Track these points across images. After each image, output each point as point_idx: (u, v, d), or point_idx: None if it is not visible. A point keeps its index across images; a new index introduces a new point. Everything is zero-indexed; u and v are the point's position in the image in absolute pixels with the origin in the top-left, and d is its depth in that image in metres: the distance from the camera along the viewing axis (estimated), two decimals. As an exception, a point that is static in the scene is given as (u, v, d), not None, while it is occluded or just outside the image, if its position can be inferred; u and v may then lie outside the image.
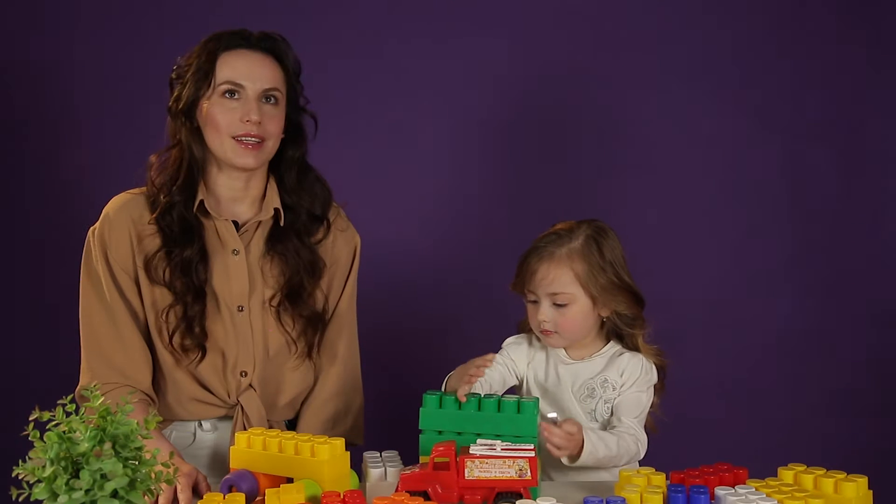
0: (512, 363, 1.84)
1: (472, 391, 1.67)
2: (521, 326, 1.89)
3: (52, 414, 1.15)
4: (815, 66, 2.61)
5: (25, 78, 2.56)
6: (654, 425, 1.84)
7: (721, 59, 2.61)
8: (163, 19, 2.55)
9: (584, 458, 1.62)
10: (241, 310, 1.79)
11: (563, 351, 1.82)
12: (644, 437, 1.74)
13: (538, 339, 1.85)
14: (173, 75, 1.82)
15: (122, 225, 1.77)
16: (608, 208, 2.60)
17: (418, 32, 2.60)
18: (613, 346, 1.82)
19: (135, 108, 2.51)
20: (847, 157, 2.63)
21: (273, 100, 1.78)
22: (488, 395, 1.62)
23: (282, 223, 1.83)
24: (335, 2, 2.58)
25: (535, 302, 1.78)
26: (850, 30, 2.61)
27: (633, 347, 1.81)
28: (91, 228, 1.79)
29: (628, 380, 1.76)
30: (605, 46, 2.62)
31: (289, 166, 1.85)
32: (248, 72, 1.76)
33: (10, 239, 2.58)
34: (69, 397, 1.20)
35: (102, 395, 1.65)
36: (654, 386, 1.80)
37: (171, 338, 1.75)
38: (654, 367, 1.79)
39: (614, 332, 1.83)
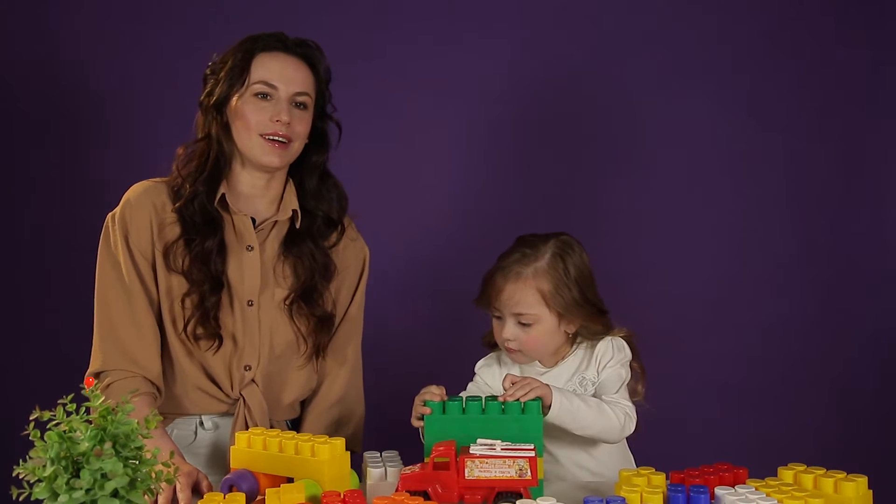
0: (487, 388, 1.84)
1: (471, 395, 1.67)
2: (486, 340, 1.88)
3: (52, 413, 1.15)
4: (816, 66, 2.61)
5: (48, 76, 2.57)
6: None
7: (722, 58, 2.61)
8: (166, 19, 2.56)
9: (557, 409, 1.62)
10: (251, 304, 1.81)
11: (537, 361, 1.83)
12: (632, 407, 1.74)
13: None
14: (207, 71, 1.85)
15: (143, 209, 1.79)
16: (609, 208, 2.61)
17: (419, 34, 2.60)
18: (580, 342, 1.82)
19: (151, 105, 2.53)
20: (847, 156, 2.63)
21: (303, 106, 1.82)
22: (492, 398, 1.62)
23: (298, 226, 1.85)
24: (336, 3, 2.59)
25: (500, 318, 1.78)
26: (850, 30, 2.61)
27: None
28: (110, 213, 1.81)
29: (601, 364, 1.77)
30: (606, 47, 2.62)
31: (311, 171, 1.89)
32: (282, 74, 1.80)
33: (10, 238, 2.58)
34: (69, 397, 1.20)
35: (111, 383, 1.70)
36: (634, 368, 1.80)
37: (185, 326, 1.76)
38: (624, 343, 1.79)
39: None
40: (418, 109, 2.61)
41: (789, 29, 2.61)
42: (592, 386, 1.77)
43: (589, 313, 1.77)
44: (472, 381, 1.88)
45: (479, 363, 1.89)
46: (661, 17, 2.61)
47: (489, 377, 1.86)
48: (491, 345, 1.88)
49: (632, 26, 2.62)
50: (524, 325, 1.75)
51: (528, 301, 1.74)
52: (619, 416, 1.70)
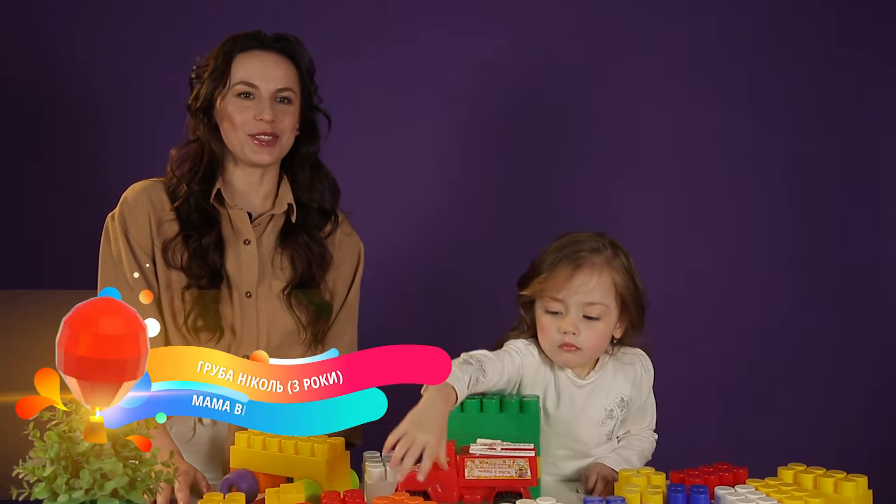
0: (521, 368, 1.69)
1: (476, 393, 1.67)
2: (515, 335, 1.75)
3: (52, 413, 1.15)
4: (816, 66, 2.61)
5: (47, 76, 2.57)
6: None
7: (721, 58, 2.61)
8: (164, 20, 2.56)
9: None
10: (249, 296, 1.84)
11: (570, 371, 1.71)
12: (655, 435, 1.80)
13: (546, 359, 1.71)
14: (192, 74, 1.88)
15: (141, 207, 1.82)
16: (608, 208, 2.61)
17: (417, 33, 2.60)
18: (604, 353, 1.75)
19: (148, 107, 2.53)
20: (847, 157, 2.63)
21: (287, 100, 1.84)
22: (491, 396, 1.62)
23: (293, 219, 1.88)
24: (335, 2, 2.59)
25: (556, 313, 1.66)
26: (851, 30, 2.61)
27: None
28: (110, 214, 1.84)
29: (642, 385, 1.75)
30: (605, 46, 2.62)
31: (302, 163, 1.92)
32: (261, 72, 1.82)
33: (11, 237, 2.58)
34: (70, 396, 1.20)
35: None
36: None
37: (186, 319, 1.78)
38: (649, 358, 1.78)
39: None
40: (416, 108, 2.61)
41: (789, 28, 2.61)
42: (628, 408, 1.74)
43: (640, 311, 1.70)
44: (504, 349, 1.70)
45: (520, 343, 1.71)
46: (660, 17, 2.61)
47: (526, 359, 1.69)
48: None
49: (631, 26, 2.61)
50: (589, 318, 1.64)
51: (602, 289, 1.64)
52: (649, 449, 1.77)
